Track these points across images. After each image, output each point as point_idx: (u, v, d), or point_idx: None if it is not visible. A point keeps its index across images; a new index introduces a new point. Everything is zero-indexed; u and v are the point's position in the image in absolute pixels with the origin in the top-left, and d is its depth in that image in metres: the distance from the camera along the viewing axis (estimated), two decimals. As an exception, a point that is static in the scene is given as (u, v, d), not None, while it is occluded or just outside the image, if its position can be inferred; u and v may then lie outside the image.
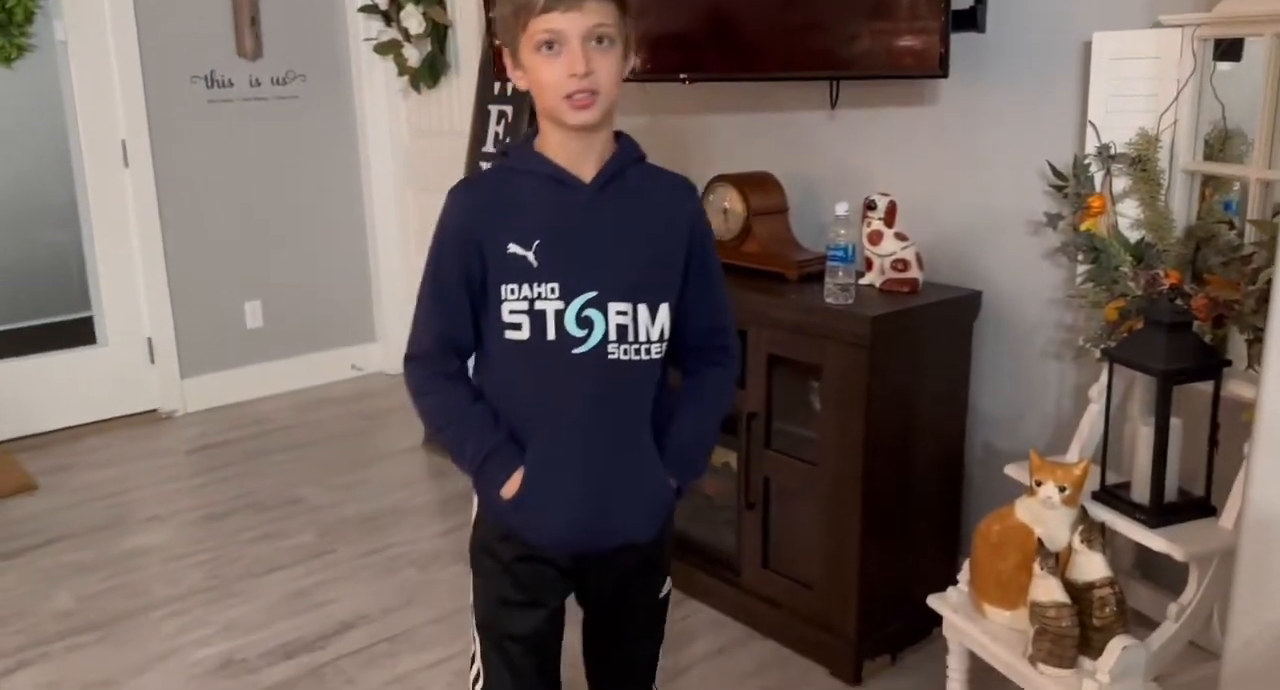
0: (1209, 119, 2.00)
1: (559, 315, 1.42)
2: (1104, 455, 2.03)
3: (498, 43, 2.28)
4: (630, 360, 1.45)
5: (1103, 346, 2.00)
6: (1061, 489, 1.86)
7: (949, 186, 2.50)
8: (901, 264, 2.32)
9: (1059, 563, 1.85)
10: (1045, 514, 1.89)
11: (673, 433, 1.53)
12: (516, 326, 1.43)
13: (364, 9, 4.10)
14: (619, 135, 1.49)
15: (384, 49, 4.07)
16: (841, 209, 2.26)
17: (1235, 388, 1.83)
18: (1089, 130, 2.11)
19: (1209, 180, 2.02)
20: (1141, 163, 2.02)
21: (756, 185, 2.63)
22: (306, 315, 4.39)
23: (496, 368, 1.50)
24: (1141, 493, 1.91)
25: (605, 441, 1.47)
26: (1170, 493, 1.90)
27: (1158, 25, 2.00)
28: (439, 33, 3.92)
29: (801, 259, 2.52)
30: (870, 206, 2.35)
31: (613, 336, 1.43)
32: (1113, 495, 1.97)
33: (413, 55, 3.98)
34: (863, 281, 2.36)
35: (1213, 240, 1.96)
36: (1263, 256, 1.80)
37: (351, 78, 4.37)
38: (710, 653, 2.44)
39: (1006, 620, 1.95)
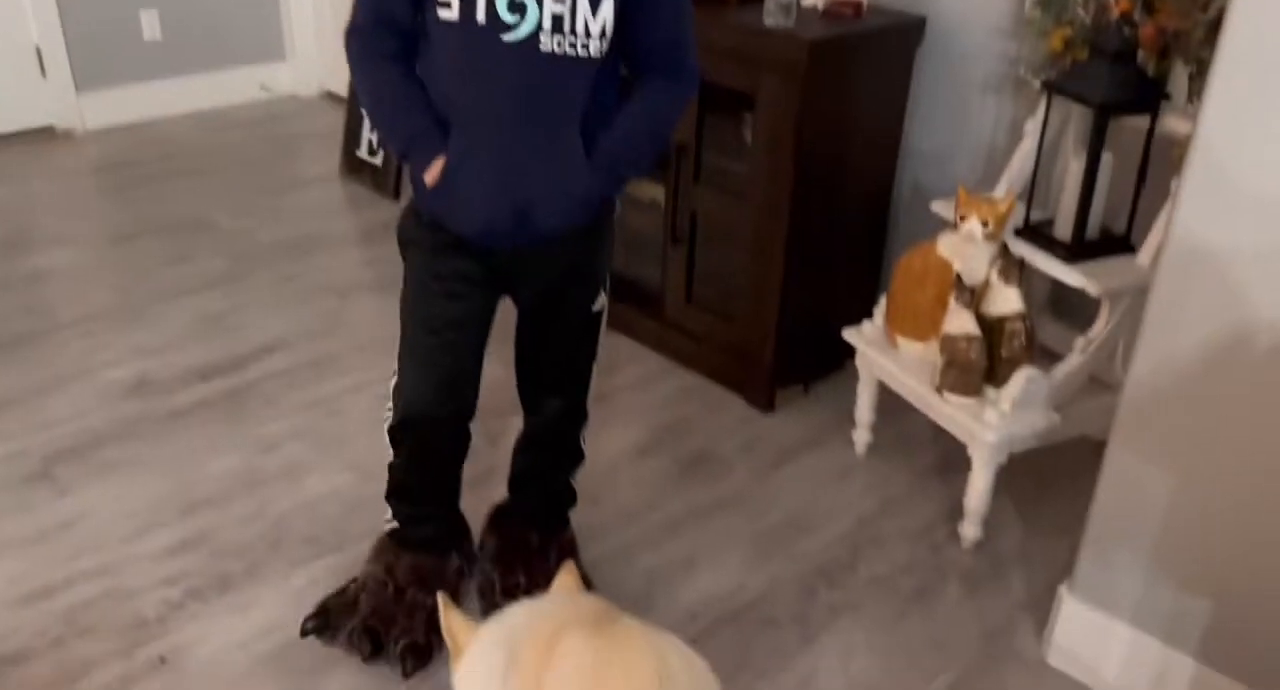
0: None
1: None
2: (1031, 192, 2.02)
3: None
4: (565, 55, 1.40)
5: (1043, 77, 1.94)
6: (985, 224, 1.85)
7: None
8: (846, -17, 2.18)
9: (974, 297, 1.87)
10: (966, 248, 1.89)
11: (602, 137, 1.48)
12: (447, 4, 1.38)
13: None
14: None
15: None
16: (786, -80, 2.08)
17: (1171, 123, 1.80)
18: None
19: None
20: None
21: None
22: (208, 27, 4.06)
23: (430, 52, 1.46)
24: (1064, 229, 1.91)
25: (527, 136, 1.44)
26: (1092, 230, 1.90)
27: None
28: None
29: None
30: (816, -82, 2.17)
31: (546, 25, 1.38)
32: (1035, 232, 1.97)
33: None
34: (807, 1, 2.22)
35: (1169, -34, 1.86)
36: (1218, -15, 1.72)
37: None
38: (631, 383, 2.48)
39: (918, 352, 1.98)
